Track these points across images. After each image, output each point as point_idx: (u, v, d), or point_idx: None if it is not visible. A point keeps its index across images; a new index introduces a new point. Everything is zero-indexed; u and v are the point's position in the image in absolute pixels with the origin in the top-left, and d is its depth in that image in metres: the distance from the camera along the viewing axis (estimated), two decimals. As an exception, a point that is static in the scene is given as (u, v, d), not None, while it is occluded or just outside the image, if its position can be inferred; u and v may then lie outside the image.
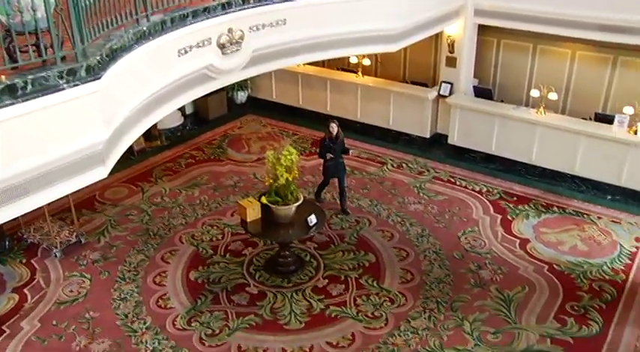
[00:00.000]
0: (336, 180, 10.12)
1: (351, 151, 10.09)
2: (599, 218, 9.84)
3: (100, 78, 5.41)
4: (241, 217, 8.45)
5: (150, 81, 6.68)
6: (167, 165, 11.83)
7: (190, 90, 7.59)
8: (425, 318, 7.82)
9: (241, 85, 14.30)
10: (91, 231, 9.64)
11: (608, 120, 10.65)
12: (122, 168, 11.23)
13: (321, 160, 10.08)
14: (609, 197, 10.39)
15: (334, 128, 9.68)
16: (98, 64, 5.46)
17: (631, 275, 8.54)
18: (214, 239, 9.49)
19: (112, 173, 6.10)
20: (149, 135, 12.12)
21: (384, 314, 7.89)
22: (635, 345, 7.35)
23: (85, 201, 10.41)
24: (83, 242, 9.30)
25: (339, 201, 10.15)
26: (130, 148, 7.94)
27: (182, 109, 13.67)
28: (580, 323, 7.67)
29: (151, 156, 12.14)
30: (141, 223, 9.89)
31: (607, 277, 8.50)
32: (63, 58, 5.27)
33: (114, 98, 5.86)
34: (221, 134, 13.23)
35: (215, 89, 8.17)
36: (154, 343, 7.45)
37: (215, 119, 13.84)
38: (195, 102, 13.34)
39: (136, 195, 10.74)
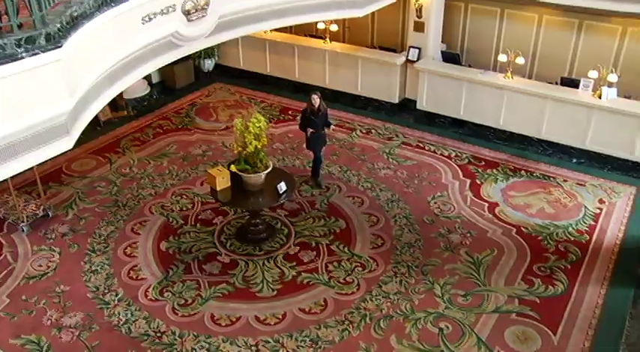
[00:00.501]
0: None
1: (332, 127, 9.74)
2: (564, 181, 9.97)
3: (61, 46, 5.22)
4: (211, 186, 8.36)
5: (114, 49, 6.49)
6: (135, 135, 11.61)
7: (156, 59, 7.41)
8: (396, 283, 7.87)
9: (208, 53, 14.04)
10: (59, 204, 9.45)
11: (573, 84, 10.75)
12: (89, 139, 10.99)
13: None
14: (574, 160, 10.53)
15: (316, 100, 9.25)
16: (58, 31, 5.27)
17: (594, 236, 8.69)
18: (184, 208, 9.39)
19: (78, 144, 5.96)
20: (115, 105, 11.88)
21: (355, 279, 7.93)
22: (597, 302, 7.52)
23: (52, 174, 10.18)
24: (51, 215, 9.11)
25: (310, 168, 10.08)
26: (96, 119, 7.79)
27: (148, 78, 13.39)
28: (546, 284, 7.81)
29: (118, 126, 11.90)
30: (109, 195, 9.73)
31: (572, 238, 8.64)
32: (20, 26, 5.07)
33: (77, 67, 5.67)
34: (188, 103, 13.01)
35: (181, 57, 8.00)
36: (126, 314, 7.38)
37: (182, 88, 13.60)
38: (161, 71, 13.11)
39: (103, 166, 10.53)
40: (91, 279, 7.95)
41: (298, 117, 9.89)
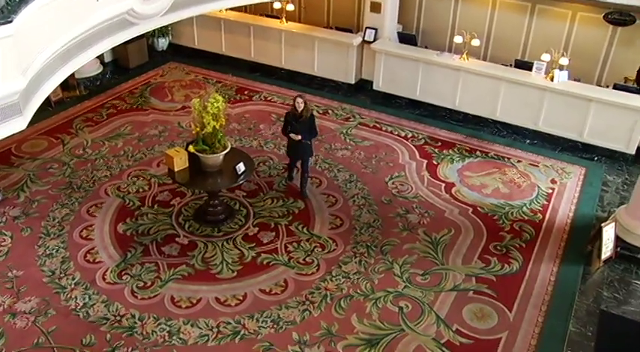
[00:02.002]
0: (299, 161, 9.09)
1: (298, 136, 8.56)
2: (518, 161, 10.12)
3: (10, 21, 4.98)
4: (168, 167, 8.16)
5: (67, 26, 6.23)
6: (88, 115, 11.25)
7: (110, 37, 7.19)
8: (356, 263, 7.88)
9: (162, 32, 13.69)
10: (9, 187, 9.08)
11: (527, 66, 10.88)
12: (39, 119, 10.60)
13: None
14: (528, 141, 10.71)
15: (300, 104, 8.44)
16: (7, 5, 5.02)
17: (547, 215, 8.87)
18: (141, 190, 9.16)
19: (28, 125, 5.71)
20: (67, 84, 11.48)
21: (315, 260, 7.90)
22: (549, 279, 7.69)
23: (0, 156, 9.78)
24: (1, 198, 8.76)
25: (299, 184, 9.22)
26: (47, 99, 7.48)
27: (100, 57, 12.95)
28: (502, 262, 7.94)
29: (70, 106, 11.50)
30: (63, 176, 9.41)
31: (526, 217, 8.80)
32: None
33: (28, 44, 5.43)
34: (143, 83, 12.68)
35: (136, 35, 7.75)
36: (84, 298, 7.17)
37: (136, 67, 13.23)
38: (114, 49, 12.71)
39: (56, 147, 10.17)
40: (45, 263, 7.70)
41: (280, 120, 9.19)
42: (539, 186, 9.49)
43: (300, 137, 8.60)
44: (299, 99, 8.51)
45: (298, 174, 9.32)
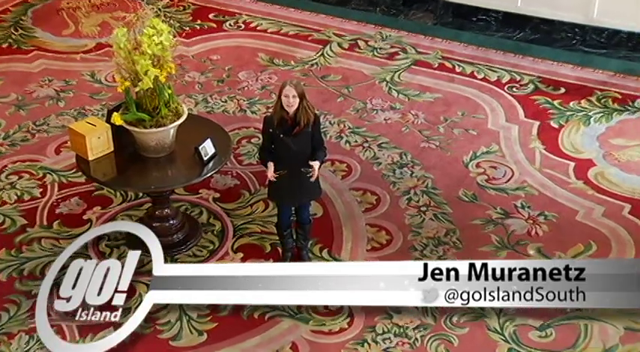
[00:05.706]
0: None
1: (315, 163, 7.74)
2: None
3: None
4: (77, 154, 8.23)
5: None
6: None
7: None
8: (417, 308, 7.86)
9: None
10: None
11: None
12: None
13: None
14: None
15: (291, 98, 7.43)
16: None
17: None
18: (27, 197, 9.27)
19: None
20: None
21: (345, 306, 7.93)
22: None
23: None
24: None
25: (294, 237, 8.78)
26: None
27: None
28: (698, 302, 7.92)
29: None
30: None
31: None
32: None
33: None
34: (17, 2, 12.83)
35: None
36: None
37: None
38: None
39: None
40: None
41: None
42: None
43: (277, 174, 7.86)
44: (289, 89, 7.46)
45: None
